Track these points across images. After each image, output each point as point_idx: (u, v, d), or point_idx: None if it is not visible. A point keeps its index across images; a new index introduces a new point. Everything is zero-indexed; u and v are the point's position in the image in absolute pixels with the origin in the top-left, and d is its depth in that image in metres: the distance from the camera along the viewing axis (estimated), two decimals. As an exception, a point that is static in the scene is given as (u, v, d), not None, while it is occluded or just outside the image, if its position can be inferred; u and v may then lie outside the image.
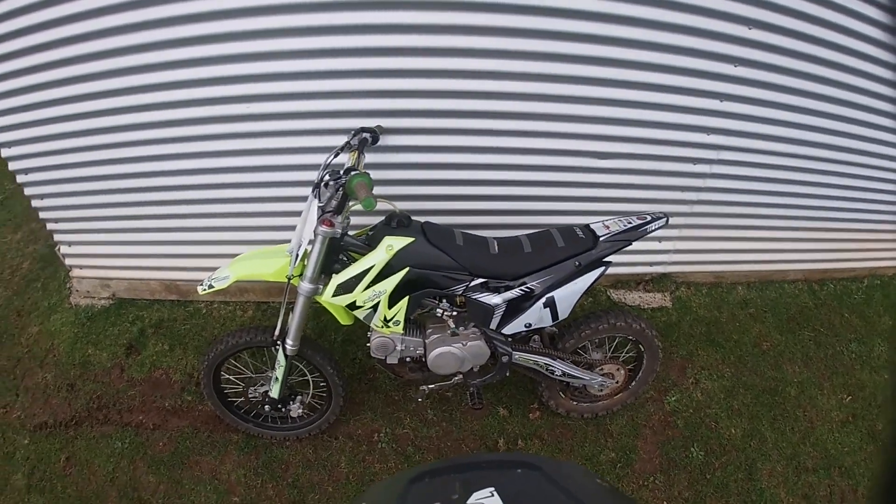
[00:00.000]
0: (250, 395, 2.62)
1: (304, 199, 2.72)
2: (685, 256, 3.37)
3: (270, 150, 2.72)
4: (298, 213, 2.53)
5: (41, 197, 3.15)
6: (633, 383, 2.79)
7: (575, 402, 2.82)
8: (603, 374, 2.64)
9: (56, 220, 3.23)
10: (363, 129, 2.37)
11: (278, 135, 2.67)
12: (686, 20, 2.40)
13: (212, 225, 3.05)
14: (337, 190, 2.03)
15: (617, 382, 2.72)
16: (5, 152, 3.03)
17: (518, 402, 2.93)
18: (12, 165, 3.08)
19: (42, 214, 3.23)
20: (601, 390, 2.72)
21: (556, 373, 2.53)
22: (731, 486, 2.69)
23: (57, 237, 3.32)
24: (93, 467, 2.84)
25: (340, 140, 2.32)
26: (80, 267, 3.41)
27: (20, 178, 3.11)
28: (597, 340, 2.61)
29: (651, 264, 3.37)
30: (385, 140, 2.54)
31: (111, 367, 3.17)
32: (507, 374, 2.52)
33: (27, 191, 3.14)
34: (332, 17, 2.31)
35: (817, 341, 3.35)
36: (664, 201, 3.04)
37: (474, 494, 0.95)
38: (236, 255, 2.46)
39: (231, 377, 2.65)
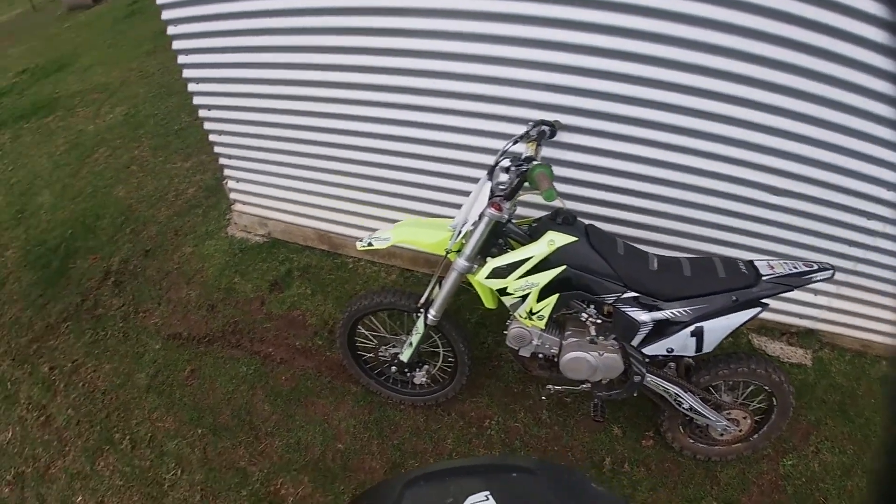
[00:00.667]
0: (380, 354, 2.73)
1: (468, 178, 2.82)
2: (837, 316, 3.15)
3: (446, 126, 2.80)
4: (459, 191, 2.61)
5: (219, 133, 3.43)
6: (755, 436, 2.65)
7: (692, 441, 2.72)
8: (729, 419, 2.54)
9: (228, 157, 3.50)
10: (543, 122, 2.39)
11: (456, 114, 2.74)
12: (880, 62, 2.22)
13: (373, 187, 3.21)
14: (517, 176, 2.07)
15: (740, 431, 2.60)
16: (192, 87, 3.34)
17: (634, 424, 2.87)
18: (197, 100, 3.38)
19: (216, 149, 3.51)
20: (722, 435, 2.61)
21: (684, 405, 2.46)
22: None
23: (227, 172, 3.59)
24: (214, 384, 3.07)
25: (517, 128, 2.37)
26: (243, 203, 3.68)
27: (202, 113, 3.39)
28: (731, 382, 2.50)
29: (801, 317, 3.18)
30: (561, 137, 2.55)
31: (253, 298, 3.41)
32: (634, 395, 2.48)
33: (206, 125, 3.42)
34: (537, 7, 2.34)
35: None
36: (828, 252, 2.86)
37: (469, 498, 0.95)
38: (391, 218, 2.58)
39: (366, 332, 2.77)
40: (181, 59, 3.25)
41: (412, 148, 2.95)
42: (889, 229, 2.73)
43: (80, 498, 2.86)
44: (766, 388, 2.47)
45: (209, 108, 3.36)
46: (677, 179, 2.69)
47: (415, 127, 2.87)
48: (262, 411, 2.96)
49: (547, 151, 2.61)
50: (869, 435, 2.95)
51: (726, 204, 2.74)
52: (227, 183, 3.65)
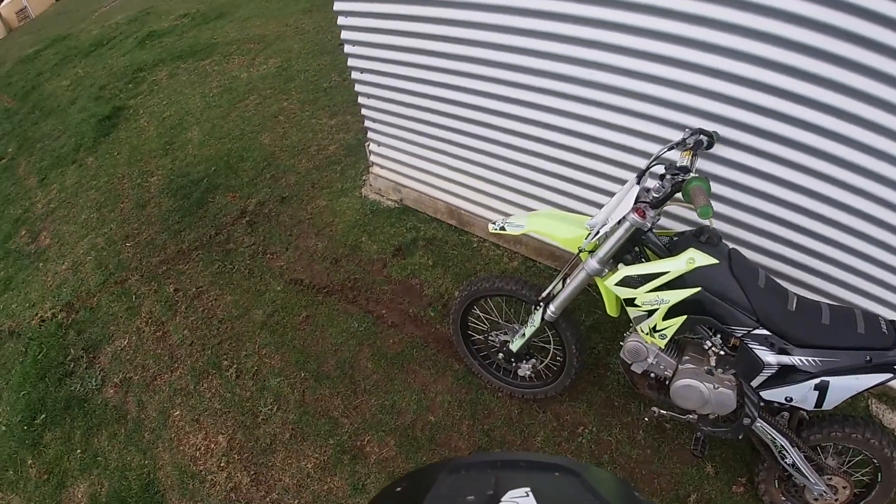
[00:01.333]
0: (490, 339, 2.76)
1: (609, 176, 2.74)
2: None
3: (598, 121, 2.72)
4: (598, 189, 2.54)
5: (367, 96, 3.56)
6: (852, 506, 2.47)
7: (783, 499, 2.57)
8: (829, 484, 2.37)
9: (374, 121, 3.63)
10: (701, 131, 2.26)
11: (611, 109, 2.65)
12: None
13: (509, 170, 3.20)
14: (672, 186, 2.00)
15: (836, 500, 2.42)
16: (348, 49, 3.45)
17: (729, 467, 2.73)
18: (351, 62, 3.50)
19: (364, 112, 3.65)
20: (817, 499, 2.44)
21: (787, 460, 2.30)
22: None
23: (370, 135, 3.73)
24: (325, 333, 3.23)
25: (672, 133, 2.27)
26: (381, 167, 3.82)
27: (354, 76, 3.52)
28: (840, 447, 2.32)
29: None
30: (717, 150, 2.43)
31: (376, 259, 3.55)
32: (740, 438, 2.37)
33: (357, 87, 3.56)
34: (716, 9, 2.20)
35: None
36: None
37: (509, 493, 0.89)
38: (523, 205, 2.57)
39: (480, 314, 2.80)
40: (341, 20, 3.35)
41: (558, 137, 2.89)
42: None
43: (178, 412, 3.13)
44: (875, 460, 2.27)
45: (361, 70, 3.48)
46: (838, 219, 2.46)
47: (564, 116, 2.81)
48: (364, 368, 3.09)
49: (702, 163, 2.51)
50: None
51: (885, 256, 2.53)
52: (368, 145, 3.79)
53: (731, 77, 2.32)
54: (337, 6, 3.30)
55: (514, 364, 2.77)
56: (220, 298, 3.62)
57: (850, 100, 2.14)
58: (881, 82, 2.06)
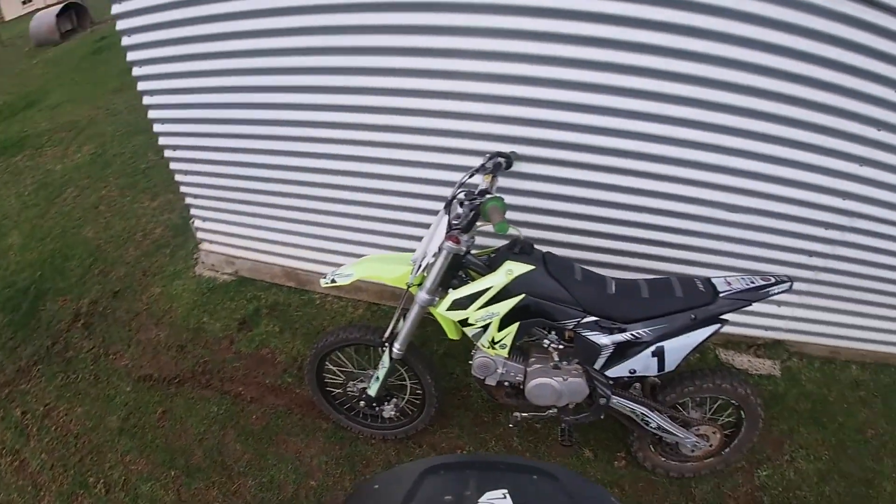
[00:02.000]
0: (349, 389, 2.72)
1: (429, 211, 2.85)
2: (803, 325, 3.22)
3: (405, 161, 2.85)
4: (422, 224, 2.63)
5: (184, 173, 3.43)
6: (726, 450, 2.67)
7: (663, 459, 2.73)
8: (698, 435, 2.56)
9: (194, 196, 3.50)
10: (499, 154, 2.44)
11: (414, 148, 2.79)
12: (832, 77, 2.32)
13: (338, 223, 3.22)
14: (471, 210, 2.09)
15: (710, 446, 2.61)
16: (157, 128, 3.35)
17: (605, 447, 2.88)
18: (163, 140, 3.39)
19: (183, 189, 3.50)
20: (693, 451, 2.63)
21: (651, 425, 2.47)
22: None
23: (193, 212, 3.58)
24: (185, 425, 3.03)
25: (474, 160, 2.41)
26: (210, 242, 3.67)
27: (168, 153, 3.40)
28: (698, 399, 2.53)
29: (766, 328, 3.22)
30: (518, 167, 2.60)
31: (222, 338, 3.38)
32: (602, 417, 2.49)
33: (173, 165, 3.42)
34: (480, 42, 2.42)
35: None
36: (789, 263, 2.92)
37: (487, 494, 0.94)
38: (357, 253, 2.60)
39: (334, 368, 2.76)
40: (146, 99, 3.26)
41: (374, 183, 2.98)
42: (847, 237, 2.80)
43: (55, 545, 2.79)
44: (734, 402, 2.50)
45: (174, 147, 3.37)
46: (633, 202, 2.75)
47: (373, 162, 2.91)
48: (233, 451, 2.93)
49: (505, 182, 2.65)
50: (843, 440, 3.00)
51: (684, 224, 2.80)
52: (193, 222, 3.64)
53: (513, 100, 2.54)
54: (140, 86, 3.21)
55: (377, 408, 2.74)
56: (70, 412, 3.28)
57: (605, 96, 2.46)
58: (626, 74, 2.40)
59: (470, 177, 2.27)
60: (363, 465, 2.82)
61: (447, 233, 2.13)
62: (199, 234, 3.68)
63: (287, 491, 2.77)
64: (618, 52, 2.34)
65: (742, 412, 2.54)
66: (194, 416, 3.07)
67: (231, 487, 2.80)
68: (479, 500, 0.93)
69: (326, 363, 2.73)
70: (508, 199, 2.61)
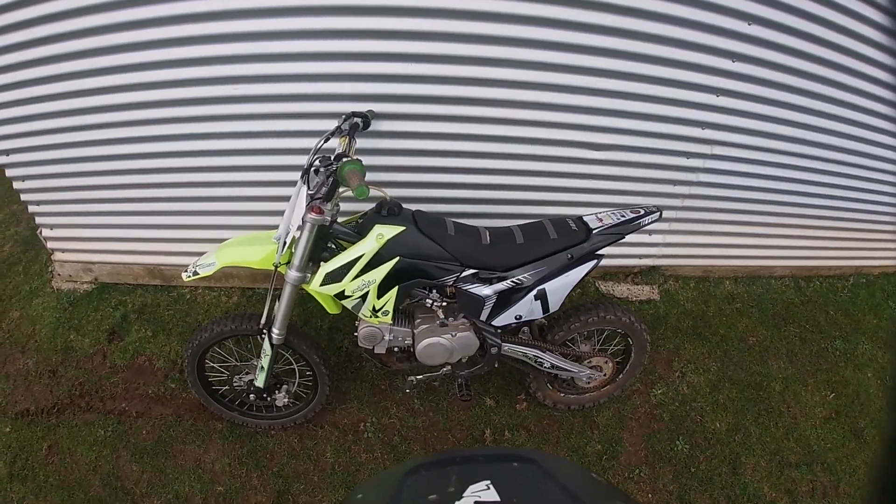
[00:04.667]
0: (235, 384, 2.57)
1: (291, 183, 2.66)
2: (675, 250, 3.36)
3: (257, 133, 2.65)
4: (286, 199, 2.48)
5: (23, 179, 3.05)
6: (620, 376, 2.77)
7: (562, 394, 2.80)
8: (591, 367, 2.62)
9: (38, 203, 3.14)
10: (354, 114, 2.30)
11: (265, 118, 2.59)
12: (686, 13, 2.36)
13: (196, 209, 2.98)
14: (328, 177, 1.96)
15: (605, 375, 2.70)
16: None
17: (505, 392, 2.91)
18: None
19: (23, 196, 3.12)
20: (588, 383, 2.70)
21: (545, 365, 2.51)
22: (716, 479, 2.68)
23: (38, 220, 3.22)
24: (75, 456, 2.77)
25: (330, 124, 2.25)
26: (62, 250, 3.33)
27: (1, 160, 3.01)
28: (586, 333, 2.58)
29: (640, 257, 3.35)
30: (376, 125, 2.48)
31: (93, 354, 3.10)
32: (496, 366, 2.49)
33: (9, 172, 3.04)
34: None
35: (802, 338, 3.35)
36: (656, 194, 3.02)
37: (470, 487, 0.94)
38: (221, 239, 2.40)
39: (215, 365, 2.59)
40: None
41: (226, 160, 2.76)
42: (709, 164, 2.92)
43: None
44: (620, 330, 2.58)
45: (7, 152, 2.97)
46: (496, 150, 2.72)
47: (223, 138, 2.69)
48: (131, 473, 2.70)
49: (365, 142, 2.53)
50: (728, 349, 3.20)
51: (550, 166, 2.82)
52: (41, 231, 3.29)
53: (359, 56, 2.41)
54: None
55: (269, 399, 2.61)
56: (-47, 469, 2.91)
57: (444, 43, 2.39)
58: (461, 19, 2.32)
59: (325, 141, 2.14)
60: (268, 459, 2.70)
61: (308, 204, 2.00)
62: (50, 244, 3.32)
63: (195, 503, 2.60)
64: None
65: (629, 339, 2.63)
66: (82, 445, 2.80)
67: (137, 513, 2.59)
68: (464, 494, 0.92)
69: (206, 361, 2.56)
70: (371, 159, 2.54)
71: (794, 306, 3.54)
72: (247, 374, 2.53)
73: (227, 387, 2.64)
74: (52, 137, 2.83)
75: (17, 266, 3.70)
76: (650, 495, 2.64)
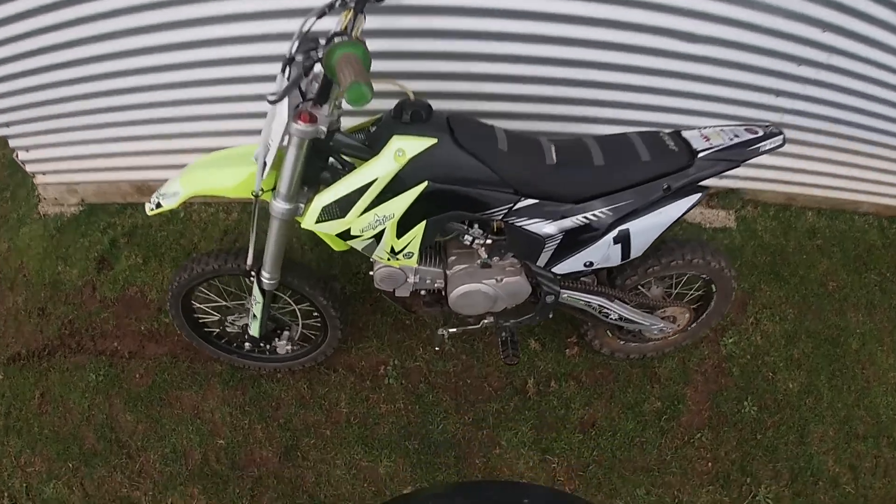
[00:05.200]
0: (228, 329, 2.07)
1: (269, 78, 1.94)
2: (759, 172, 2.72)
3: (244, 15, 1.96)
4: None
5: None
6: (693, 324, 2.15)
7: (622, 342, 2.23)
8: (664, 317, 2.01)
9: (7, 124, 2.59)
10: None
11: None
12: None
13: (184, 114, 2.38)
14: (309, 68, 1.27)
15: (678, 326, 2.07)
16: None
17: (553, 333, 2.38)
18: None
19: (-6, 117, 2.55)
20: (659, 336, 2.09)
21: (612, 316, 1.90)
22: (781, 449, 2.20)
23: (12, 143, 2.72)
24: (68, 405, 2.39)
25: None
26: (44, 172, 2.84)
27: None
28: (663, 277, 1.95)
29: (720, 176, 2.68)
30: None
31: (82, 286, 2.64)
32: (550, 317, 1.88)
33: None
34: None
35: (882, 287, 2.73)
36: (752, 104, 2.36)
37: None
38: (213, 148, 1.75)
39: (204, 307, 2.07)
40: None
41: (211, 52, 2.10)
42: (822, 76, 2.27)
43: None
44: (704, 275, 1.96)
45: None
46: (559, 34, 1.99)
47: (207, 24, 2.01)
48: (125, 423, 2.30)
49: (377, 21, 1.75)
50: (806, 294, 2.64)
51: (633, 59, 2.14)
52: (17, 155, 2.74)
53: None
54: None
55: (268, 346, 2.09)
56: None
57: None
58: None
59: (318, 18, 1.39)
60: (273, 408, 2.25)
61: (294, 109, 1.33)
62: (29, 168, 2.82)
63: (195, 458, 2.20)
64: None
65: (713, 286, 2.02)
66: (74, 392, 2.40)
67: (134, 468, 2.22)
68: None
69: (193, 302, 2.03)
70: (384, 44, 1.80)
71: (875, 250, 2.89)
72: (241, 317, 2.02)
73: (220, 328, 2.13)
74: (12, 47, 2.23)
75: (5, 192, 3.21)
76: (710, 464, 2.16)
